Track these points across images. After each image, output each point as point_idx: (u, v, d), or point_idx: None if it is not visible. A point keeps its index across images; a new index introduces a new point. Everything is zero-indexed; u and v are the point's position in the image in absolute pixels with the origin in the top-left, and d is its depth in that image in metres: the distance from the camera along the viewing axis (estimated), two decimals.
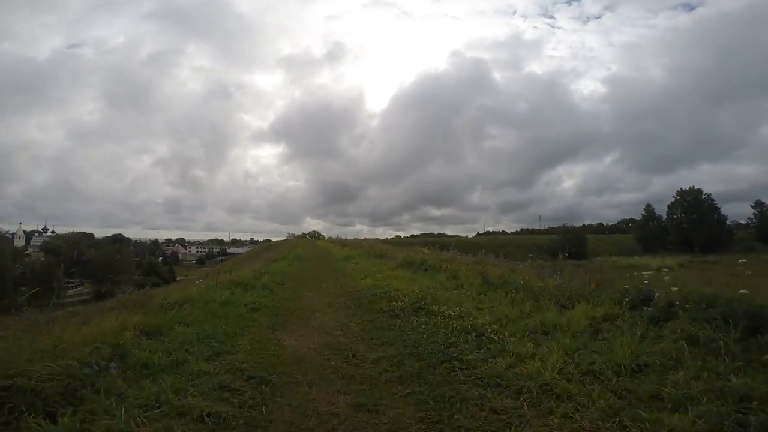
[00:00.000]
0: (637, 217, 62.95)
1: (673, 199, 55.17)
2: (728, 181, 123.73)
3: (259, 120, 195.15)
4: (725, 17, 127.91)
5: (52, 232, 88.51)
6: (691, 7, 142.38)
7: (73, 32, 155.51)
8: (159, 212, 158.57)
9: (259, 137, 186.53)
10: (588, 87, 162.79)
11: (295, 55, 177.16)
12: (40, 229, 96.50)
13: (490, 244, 51.47)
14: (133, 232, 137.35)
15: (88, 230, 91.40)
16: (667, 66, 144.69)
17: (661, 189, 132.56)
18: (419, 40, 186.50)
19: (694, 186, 54.56)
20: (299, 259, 18.26)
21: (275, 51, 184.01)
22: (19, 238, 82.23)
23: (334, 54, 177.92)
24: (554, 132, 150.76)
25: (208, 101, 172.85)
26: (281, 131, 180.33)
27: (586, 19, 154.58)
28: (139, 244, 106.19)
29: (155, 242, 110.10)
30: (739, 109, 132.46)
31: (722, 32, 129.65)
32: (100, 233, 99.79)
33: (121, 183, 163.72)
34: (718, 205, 52.41)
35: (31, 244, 76.71)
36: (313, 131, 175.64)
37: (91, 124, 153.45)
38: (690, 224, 50.56)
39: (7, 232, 77.88)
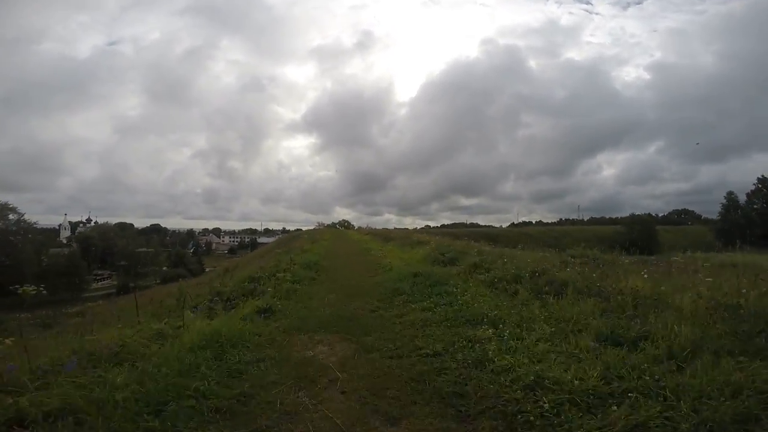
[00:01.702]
0: (683, 207, 55.15)
1: (754, 187, 48.34)
2: None
3: (291, 112, 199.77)
4: None
5: (95, 222, 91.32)
6: None
7: (111, 30, 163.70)
8: (198, 202, 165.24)
9: (292, 128, 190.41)
10: (631, 74, 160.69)
11: (325, 45, 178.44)
12: (84, 220, 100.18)
13: (540, 235, 46.36)
14: (172, 222, 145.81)
15: (129, 221, 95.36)
16: (717, 52, 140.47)
17: (709, 179, 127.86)
18: (448, 27, 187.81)
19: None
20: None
21: (306, 42, 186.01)
22: (65, 229, 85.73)
23: (364, 43, 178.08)
24: (594, 119, 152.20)
25: (242, 94, 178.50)
26: (313, 122, 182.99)
27: (626, 5, 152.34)
28: (175, 234, 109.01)
29: (191, 232, 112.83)
30: None
31: None
32: (141, 223, 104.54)
33: (163, 175, 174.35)
34: None
35: (76, 234, 79.21)
36: (343, 121, 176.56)
37: (133, 119, 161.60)
38: None
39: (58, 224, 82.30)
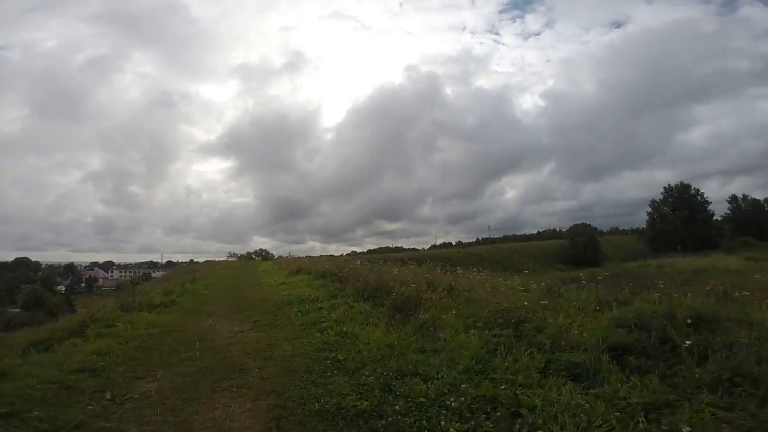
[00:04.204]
0: (573, 222, 62.05)
1: (662, 196, 54.77)
2: (647, 186, 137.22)
3: (205, 132, 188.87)
4: (650, 33, 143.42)
5: None
6: (618, 24, 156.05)
7: (1, 34, 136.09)
8: (87, 233, 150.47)
9: (205, 150, 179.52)
10: (528, 101, 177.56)
11: (250, 64, 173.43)
12: None
13: (490, 255, 46.44)
14: (54, 255, 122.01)
15: None
16: (598, 81, 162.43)
17: (590, 196, 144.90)
18: (376, 53, 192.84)
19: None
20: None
21: (228, 60, 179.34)
22: None
23: (294, 64, 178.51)
24: (499, 145, 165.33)
25: (149, 111, 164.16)
26: (230, 144, 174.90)
27: (528, 36, 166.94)
28: (49, 269, 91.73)
29: (70, 266, 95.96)
30: (657, 120, 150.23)
31: (646, 48, 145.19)
32: (9, 257, 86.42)
33: (44, 200, 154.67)
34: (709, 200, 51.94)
35: None
36: (264, 144, 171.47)
37: (9, 133, 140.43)
38: (685, 221, 48.82)
39: None
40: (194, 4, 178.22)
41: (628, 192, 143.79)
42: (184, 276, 17.84)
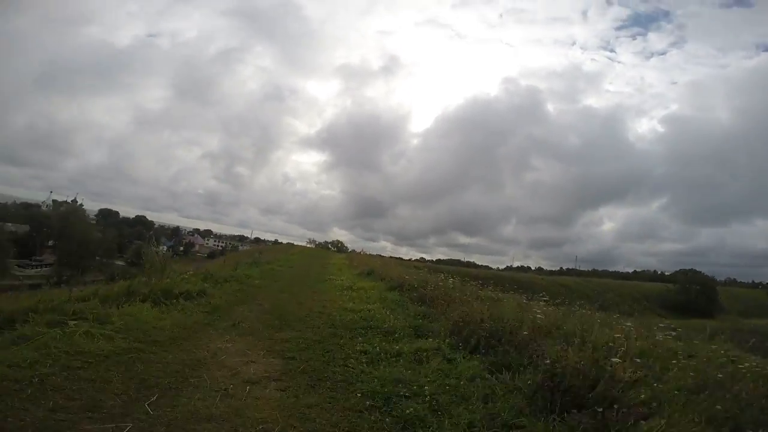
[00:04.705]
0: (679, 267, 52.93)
1: None
2: None
3: (307, 126, 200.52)
4: None
5: (81, 204, 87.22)
6: (766, 48, 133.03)
7: (154, 22, 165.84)
8: (197, 203, 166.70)
9: (305, 143, 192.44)
10: (645, 125, 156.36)
11: (351, 65, 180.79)
12: (69, 201, 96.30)
13: (578, 287, 40.94)
14: (167, 218, 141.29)
15: (123, 210, 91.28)
16: (735, 108, 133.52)
17: (707, 241, 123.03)
18: (471, 63, 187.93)
19: None
20: None
21: (332, 59, 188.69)
22: (47, 207, 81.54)
23: (389, 68, 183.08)
24: (603, 170, 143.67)
25: (263, 102, 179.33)
26: (326, 139, 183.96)
27: (649, 55, 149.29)
28: (159, 229, 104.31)
29: (176, 229, 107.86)
30: None
31: None
32: (132, 213, 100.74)
33: (168, 171, 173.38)
34: None
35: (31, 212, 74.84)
36: (356, 143, 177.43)
37: (153, 111, 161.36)
38: None
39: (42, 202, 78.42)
40: (307, 3, 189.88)
41: (758, 242, 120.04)
42: (247, 257, 16.18)
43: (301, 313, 6.53)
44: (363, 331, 5.65)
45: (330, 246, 53.80)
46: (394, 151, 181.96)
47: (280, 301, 7.48)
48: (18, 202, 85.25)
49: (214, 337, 4.81)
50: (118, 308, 5.00)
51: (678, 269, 74.18)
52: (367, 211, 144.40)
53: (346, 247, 53.24)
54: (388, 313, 6.88)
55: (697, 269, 53.73)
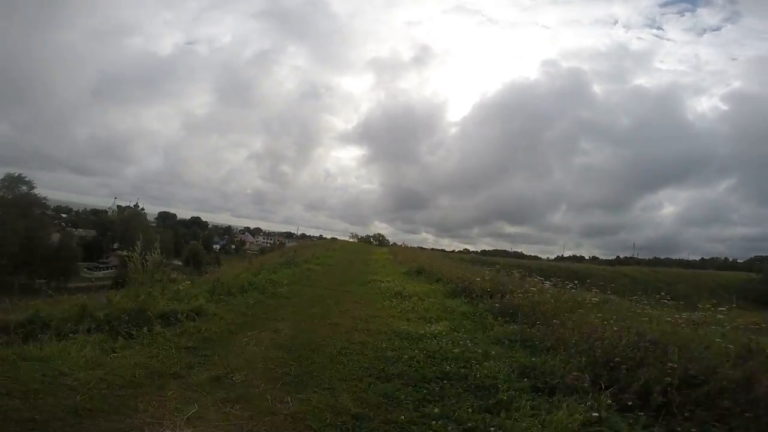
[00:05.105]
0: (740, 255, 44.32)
1: None
2: None
3: (344, 122, 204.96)
4: None
5: (141, 209, 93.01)
6: None
7: (190, 29, 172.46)
8: (246, 202, 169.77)
9: (343, 139, 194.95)
10: (704, 104, 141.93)
11: (382, 58, 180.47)
12: (132, 206, 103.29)
13: (643, 278, 36.53)
14: (221, 218, 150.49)
15: (180, 212, 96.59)
16: None
17: None
18: (505, 48, 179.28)
19: None
20: None
21: (363, 53, 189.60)
22: (112, 212, 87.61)
23: (421, 58, 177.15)
24: (660, 151, 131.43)
25: (300, 101, 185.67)
26: (363, 134, 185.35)
27: (701, 31, 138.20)
28: (213, 229, 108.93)
29: (228, 228, 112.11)
30: None
31: None
32: (188, 215, 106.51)
33: (219, 173, 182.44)
34: None
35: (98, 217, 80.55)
36: (393, 135, 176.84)
37: (200, 116, 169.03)
38: None
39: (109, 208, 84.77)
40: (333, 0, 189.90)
41: None
42: (281, 256, 14.35)
43: (335, 345, 4.25)
44: (437, 386, 3.26)
45: (372, 240, 52.54)
46: (432, 141, 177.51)
47: (306, 322, 5.27)
48: (88, 209, 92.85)
49: (171, 406, 2.65)
50: (41, 345, 3.05)
51: (753, 256, 67.58)
52: (406, 203, 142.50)
53: (388, 240, 51.76)
54: (467, 341, 4.43)
55: None
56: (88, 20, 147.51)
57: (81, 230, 56.65)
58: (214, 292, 5.96)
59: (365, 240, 52.55)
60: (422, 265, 13.65)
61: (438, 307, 6.64)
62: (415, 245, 42.50)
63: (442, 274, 10.82)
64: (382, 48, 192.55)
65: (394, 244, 42.34)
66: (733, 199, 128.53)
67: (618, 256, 74.64)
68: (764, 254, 66.50)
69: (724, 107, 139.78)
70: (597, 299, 6.42)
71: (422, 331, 4.97)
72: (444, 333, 4.94)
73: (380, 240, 52.46)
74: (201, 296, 5.51)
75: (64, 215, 75.06)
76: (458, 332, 4.99)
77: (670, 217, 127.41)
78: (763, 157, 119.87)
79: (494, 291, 7.27)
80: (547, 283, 7.27)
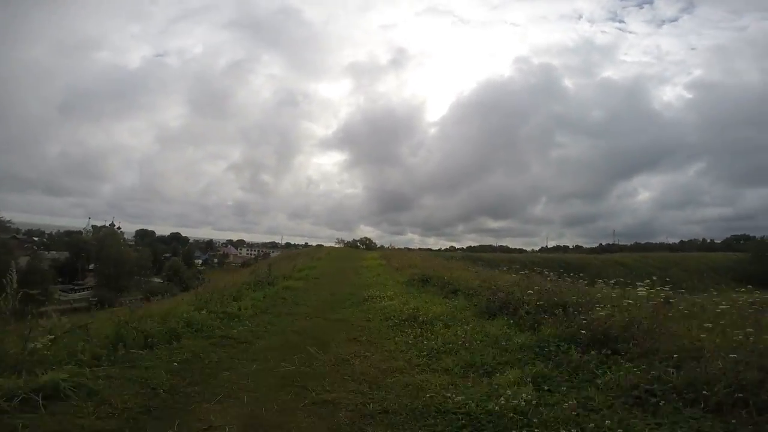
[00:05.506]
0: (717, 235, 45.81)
1: None
2: None
3: (323, 128, 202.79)
4: None
5: (118, 228, 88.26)
6: None
7: (159, 42, 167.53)
8: (227, 214, 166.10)
9: (324, 145, 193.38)
10: (669, 93, 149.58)
11: (359, 62, 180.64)
12: (107, 225, 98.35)
13: (635, 264, 35.44)
14: (202, 232, 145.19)
15: (160, 229, 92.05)
16: (764, 70, 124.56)
17: (754, 203, 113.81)
18: (479, 47, 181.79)
19: None
20: None
21: (339, 59, 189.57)
22: (87, 232, 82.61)
23: (398, 60, 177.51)
24: (632, 140, 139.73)
25: (278, 109, 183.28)
26: (344, 139, 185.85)
27: (661, 23, 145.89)
28: (193, 244, 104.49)
29: (209, 242, 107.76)
30: None
31: None
32: (168, 231, 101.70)
33: (197, 185, 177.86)
34: None
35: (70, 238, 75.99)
36: (373, 139, 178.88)
37: (174, 129, 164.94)
38: None
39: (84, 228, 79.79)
40: (305, 7, 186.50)
41: None
42: (250, 274, 11.47)
43: None
44: None
45: (359, 244, 50.43)
46: (412, 142, 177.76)
47: (270, 402, 2.90)
48: (62, 231, 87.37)
49: None
50: None
51: (730, 236, 69.68)
52: (391, 205, 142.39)
53: (375, 243, 49.83)
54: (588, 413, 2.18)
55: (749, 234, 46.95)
56: (53, 35, 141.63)
57: (54, 252, 52.79)
58: (117, 345, 3.51)
59: (352, 245, 50.11)
60: (426, 271, 11.31)
61: (481, 340, 4.35)
62: (401, 246, 41.44)
63: (458, 283, 8.52)
64: (358, 52, 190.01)
65: (382, 246, 40.83)
66: (704, 182, 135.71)
67: (600, 244, 76.78)
68: (739, 233, 68.56)
69: (688, 95, 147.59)
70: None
71: (486, 400, 2.67)
72: (525, 397, 2.67)
73: (367, 244, 50.33)
74: (87, 351, 3.06)
75: (35, 238, 70.35)
76: (547, 389, 2.73)
77: (646, 202, 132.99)
78: (729, 141, 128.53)
79: (551, 304, 5.04)
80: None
